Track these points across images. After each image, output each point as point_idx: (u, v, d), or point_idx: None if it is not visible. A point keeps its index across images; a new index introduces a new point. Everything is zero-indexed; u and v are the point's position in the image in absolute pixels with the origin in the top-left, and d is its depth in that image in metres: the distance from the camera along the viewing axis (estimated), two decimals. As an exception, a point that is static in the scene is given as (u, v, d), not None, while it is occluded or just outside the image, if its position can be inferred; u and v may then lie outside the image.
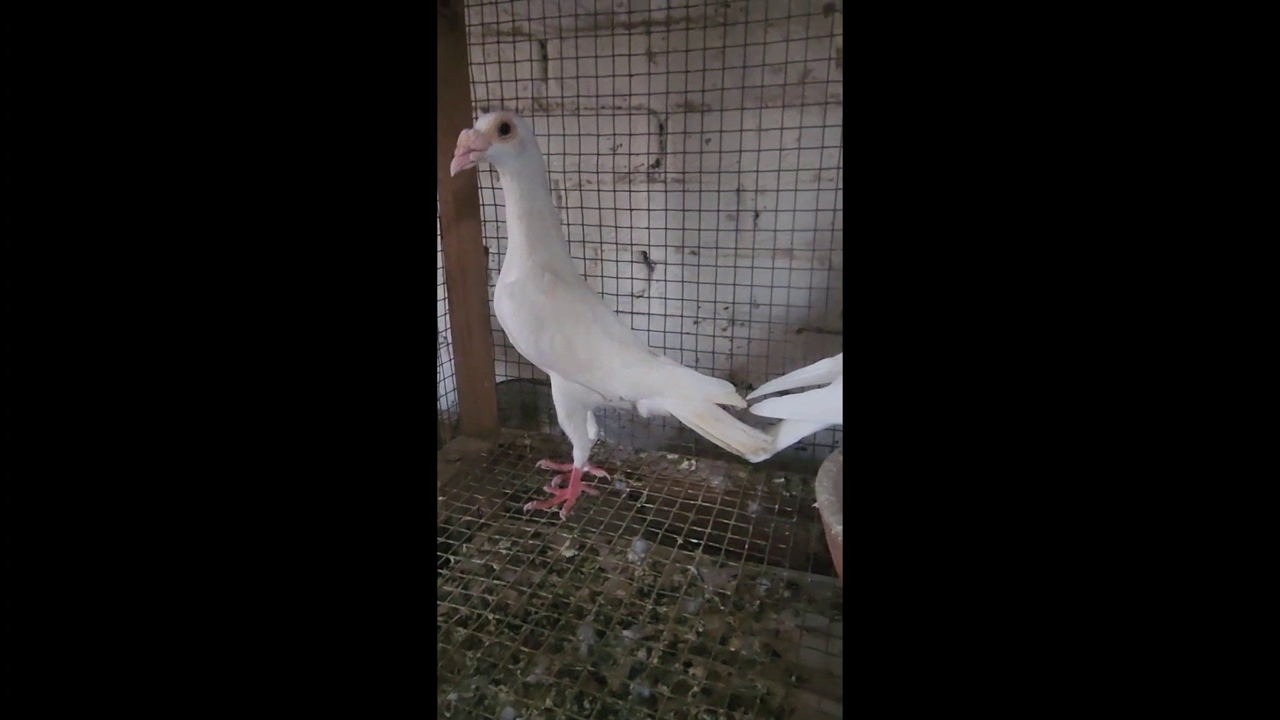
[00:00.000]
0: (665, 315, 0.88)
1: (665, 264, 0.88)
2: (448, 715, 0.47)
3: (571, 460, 0.70)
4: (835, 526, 0.50)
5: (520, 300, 0.61)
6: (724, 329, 0.87)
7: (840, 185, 0.75)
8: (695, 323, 0.88)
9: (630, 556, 0.63)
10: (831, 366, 0.63)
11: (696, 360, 0.88)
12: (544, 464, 0.77)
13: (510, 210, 0.60)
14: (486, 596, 0.58)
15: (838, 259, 0.79)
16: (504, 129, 0.56)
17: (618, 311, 0.88)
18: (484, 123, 0.56)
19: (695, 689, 0.49)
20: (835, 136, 0.74)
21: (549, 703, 0.48)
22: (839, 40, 0.72)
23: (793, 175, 0.77)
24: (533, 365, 0.67)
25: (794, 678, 0.51)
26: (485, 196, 0.86)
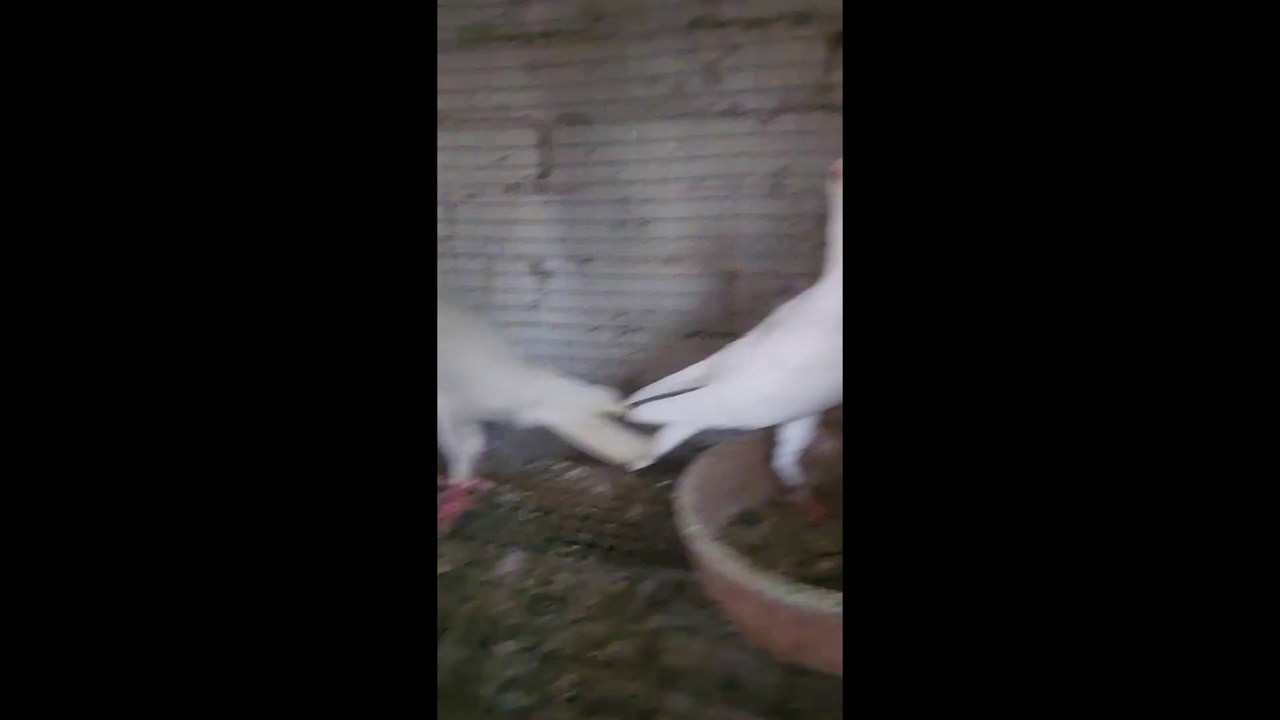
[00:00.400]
0: (560, 326, 0.88)
1: (557, 274, 0.88)
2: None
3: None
4: (691, 526, 0.51)
5: None
6: (618, 336, 0.88)
7: (725, 195, 0.78)
8: (589, 331, 0.88)
9: (509, 567, 0.63)
10: (704, 370, 0.65)
11: (595, 368, 0.88)
12: (432, 480, 0.76)
13: None
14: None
15: (724, 265, 0.82)
16: None
17: (513, 324, 0.88)
18: None
19: (559, 700, 0.50)
20: (710, 146, 0.76)
21: None
22: (707, 55, 0.74)
23: (675, 184, 0.79)
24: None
25: (667, 678, 0.52)
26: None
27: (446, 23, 0.81)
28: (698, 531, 0.50)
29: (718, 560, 0.46)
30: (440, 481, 0.75)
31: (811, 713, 0.47)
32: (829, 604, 0.41)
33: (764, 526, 0.63)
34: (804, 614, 0.42)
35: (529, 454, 0.82)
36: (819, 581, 0.46)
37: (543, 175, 0.85)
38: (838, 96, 0.71)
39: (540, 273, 0.89)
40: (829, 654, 0.44)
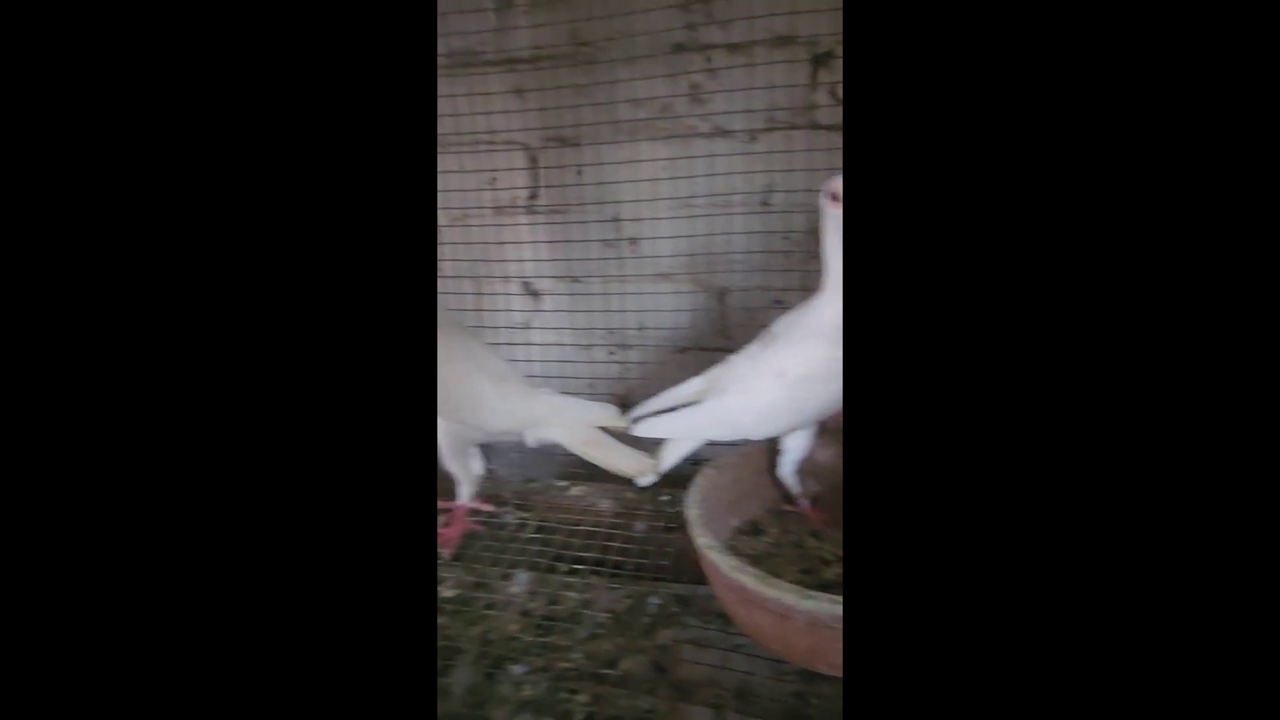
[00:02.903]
0: (554, 345, 0.89)
1: (549, 294, 0.89)
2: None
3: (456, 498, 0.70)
4: (699, 539, 0.52)
5: None
6: (611, 353, 0.89)
7: (713, 212, 0.80)
8: (584, 349, 0.89)
9: (515, 589, 0.63)
10: (702, 383, 0.66)
11: (590, 386, 0.89)
12: (433, 504, 0.76)
13: None
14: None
15: (714, 280, 0.83)
16: None
17: (506, 344, 0.89)
18: None
19: (579, 716, 0.50)
20: (697, 166, 0.78)
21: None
22: (692, 77, 0.76)
23: (663, 203, 0.81)
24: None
25: (680, 693, 0.52)
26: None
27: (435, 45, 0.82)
28: (708, 544, 0.50)
29: (731, 570, 0.47)
30: (442, 504, 0.74)
31: (826, 717, 0.48)
32: (840, 610, 0.42)
33: (768, 536, 0.64)
34: (817, 620, 0.43)
35: (527, 474, 0.82)
36: (824, 587, 0.47)
37: (532, 196, 0.86)
38: (821, 115, 0.74)
39: (532, 293, 0.90)
40: (841, 659, 0.45)
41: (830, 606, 0.42)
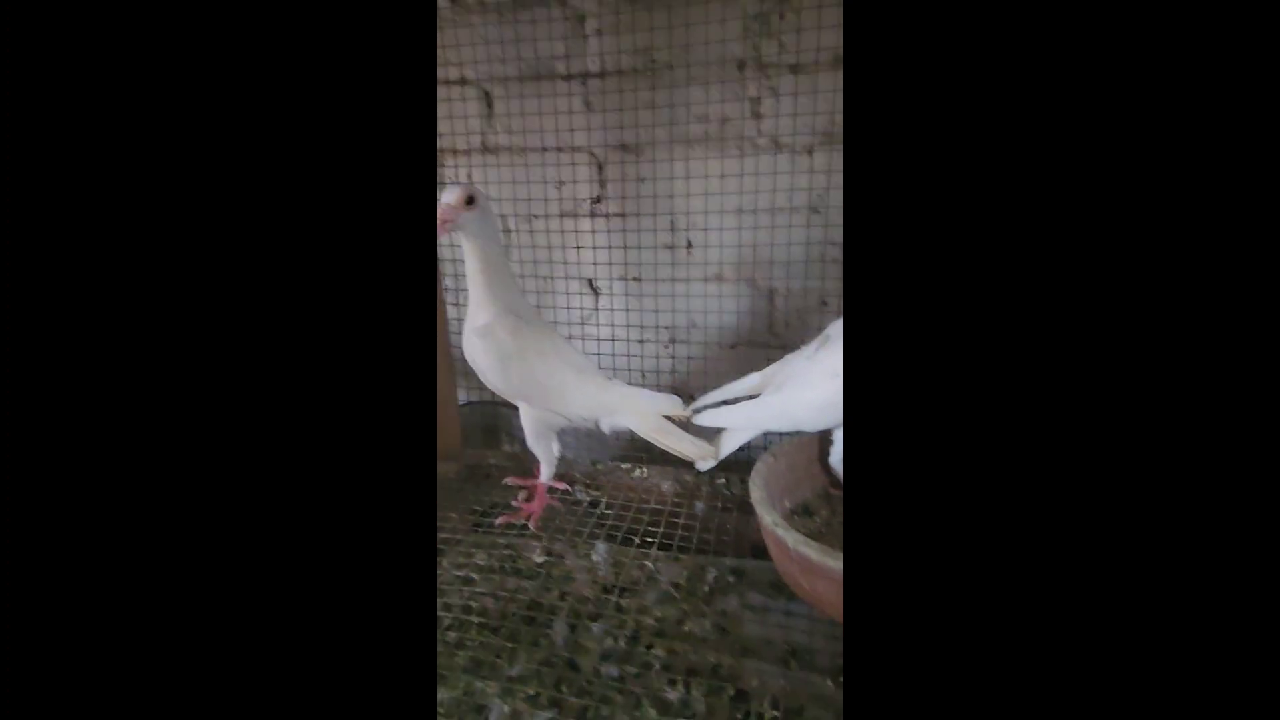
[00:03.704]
0: (612, 340, 0.96)
1: (610, 293, 0.96)
2: (441, 713, 0.54)
3: (534, 476, 0.78)
4: (766, 518, 0.59)
5: (489, 341, 0.68)
6: (666, 348, 0.96)
7: (764, 221, 0.86)
8: (640, 344, 0.96)
9: (594, 558, 0.71)
10: (759, 379, 0.73)
11: (643, 377, 0.96)
12: (510, 480, 0.83)
13: (471, 266, 0.68)
14: (468, 603, 0.64)
15: (763, 282, 0.90)
16: (470, 200, 0.63)
17: (569, 337, 0.96)
18: (451, 196, 0.63)
19: (656, 666, 0.58)
20: (753, 178, 0.85)
21: (532, 690, 0.55)
22: (752, 94, 0.82)
23: (718, 212, 0.87)
24: (492, 391, 0.74)
25: (741, 649, 0.60)
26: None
27: (511, 60, 0.89)
28: (774, 521, 0.58)
29: (797, 544, 0.54)
30: (524, 481, 0.82)
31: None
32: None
33: (818, 517, 0.71)
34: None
35: (592, 456, 0.90)
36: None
37: (596, 201, 0.93)
38: (870, 134, 0.80)
39: (593, 290, 0.97)
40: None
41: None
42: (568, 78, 0.88)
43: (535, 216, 0.94)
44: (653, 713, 0.53)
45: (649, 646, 0.60)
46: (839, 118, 0.80)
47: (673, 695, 0.54)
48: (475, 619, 0.62)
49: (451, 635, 0.61)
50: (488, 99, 0.93)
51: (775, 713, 0.52)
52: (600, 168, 0.91)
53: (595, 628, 0.62)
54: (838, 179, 0.81)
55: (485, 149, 0.94)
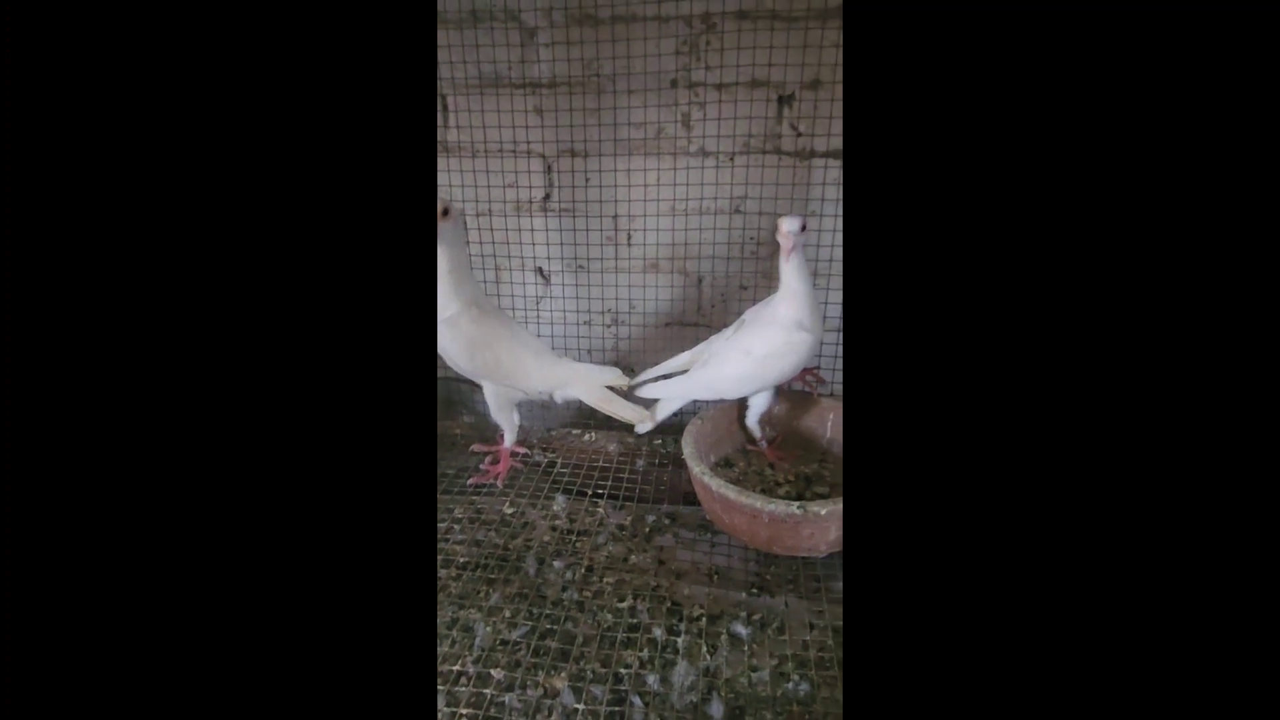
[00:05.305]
0: (563, 322, 1.08)
1: (560, 281, 1.07)
2: (440, 634, 0.66)
3: (497, 442, 0.89)
4: (695, 469, 0.74)
5: (457, 331, 0.79)
6: (608, 328, 1.08)
7: (694, 216, 0.99)
8: (586, 325, 1.09)
9: (554, 509, 0.84)
10: (689, 357, 0.87)
11: (590, 354, 1.09)
12: (476, 448, 0.95)
13: (442, 267, 0.77)
14: (453, 548, 0.76)
15: (692, 271, 1.03)
16: (445, 212, 0.73)
17: (524, 319, 1.07)
18: None
19: (608, 590, 0.72)
20: (684, 178, 0.97)
21: (508, 614, 0.68)
22: (683, 107, 0.94)
23: (654, 207, 1.00)
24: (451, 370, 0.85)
25: (675, 574, 0.74)
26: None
27: (468, 69, 0.97)
28: (701, 470, 0.72)
29: (719, 487, 0.69)
30: (488, 448, 0.94)
31: (776, 584, 0.72)
32: (792, 509, 0.65)
33: (737, 468, 0.87)
34: (775, 516, 0.66)
35: (548, 424, 1.02)
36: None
37: (546, 198, 1.03)
38: (784, 143, 0.94)
39: (543, 277, 1.08)
40: (791, 543, 0.69)
41: (785, 508, 0.65)
42: (521, 86, 0.97)
43: (492, 213, 1.04)
44: (609, 617, 0.67)
45: (601, 576, 0.74)
46: (755, 129, 0.94)
47: (623, 606, 0.69)
48: (459, 559, 0.75)
49: (440, 574, 0.73)
50: (443, 103, 1.01)
51: (701, 611, 0.67)
52: (549, 168, 1.01)
53: (557, 564, 0.75)
54: (756, 180, 0.95)
55: (442, 148, 1.03)
